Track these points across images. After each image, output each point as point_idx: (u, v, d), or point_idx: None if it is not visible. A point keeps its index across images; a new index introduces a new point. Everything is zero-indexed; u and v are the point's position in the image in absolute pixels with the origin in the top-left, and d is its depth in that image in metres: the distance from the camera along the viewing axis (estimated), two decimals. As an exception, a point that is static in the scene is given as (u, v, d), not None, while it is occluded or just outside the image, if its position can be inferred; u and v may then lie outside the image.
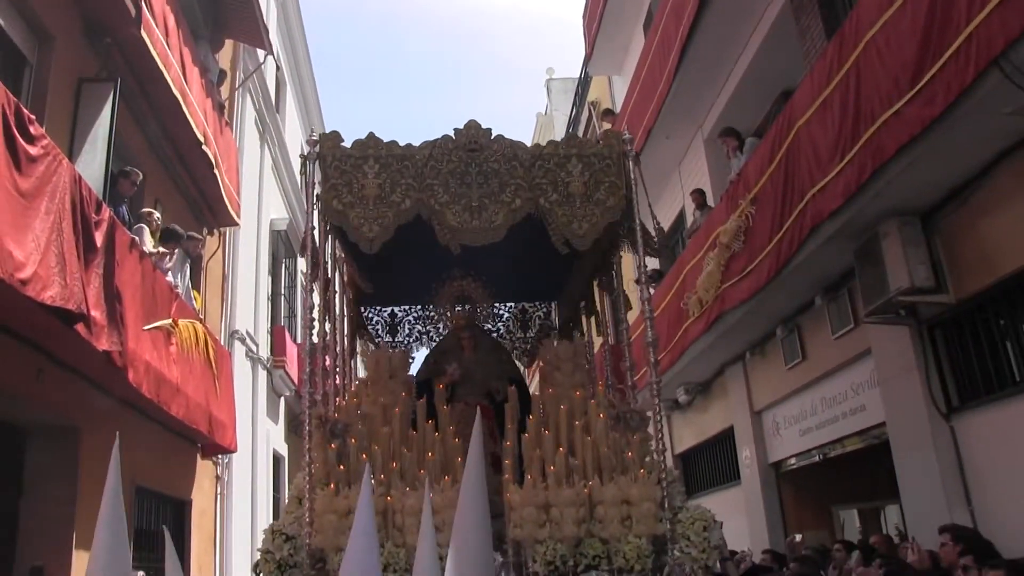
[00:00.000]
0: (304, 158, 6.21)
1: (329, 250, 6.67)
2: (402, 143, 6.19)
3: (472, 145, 6.07)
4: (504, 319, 8.50)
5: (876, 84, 6.48)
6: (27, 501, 7.89)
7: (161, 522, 10.39)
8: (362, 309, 8.40)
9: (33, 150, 6.20)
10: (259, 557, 5.61)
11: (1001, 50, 5.01)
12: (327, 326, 6.75)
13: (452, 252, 6.02)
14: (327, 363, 6.72)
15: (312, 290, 6.20)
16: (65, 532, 7.88)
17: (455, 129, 6.15)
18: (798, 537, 9.30)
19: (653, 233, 6.65)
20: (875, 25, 6.47)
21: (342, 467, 5.66)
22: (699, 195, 12.42)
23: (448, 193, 5.95)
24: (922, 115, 5.86)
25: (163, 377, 8.62)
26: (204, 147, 10.84)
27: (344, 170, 6.03)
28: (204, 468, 11.85)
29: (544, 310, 8.71)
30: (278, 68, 17.67)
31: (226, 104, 13.19)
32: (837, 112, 7.10)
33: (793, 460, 10.80)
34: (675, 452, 15.17)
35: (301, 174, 6.33)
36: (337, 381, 7.24)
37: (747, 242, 9.10)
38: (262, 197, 15.59)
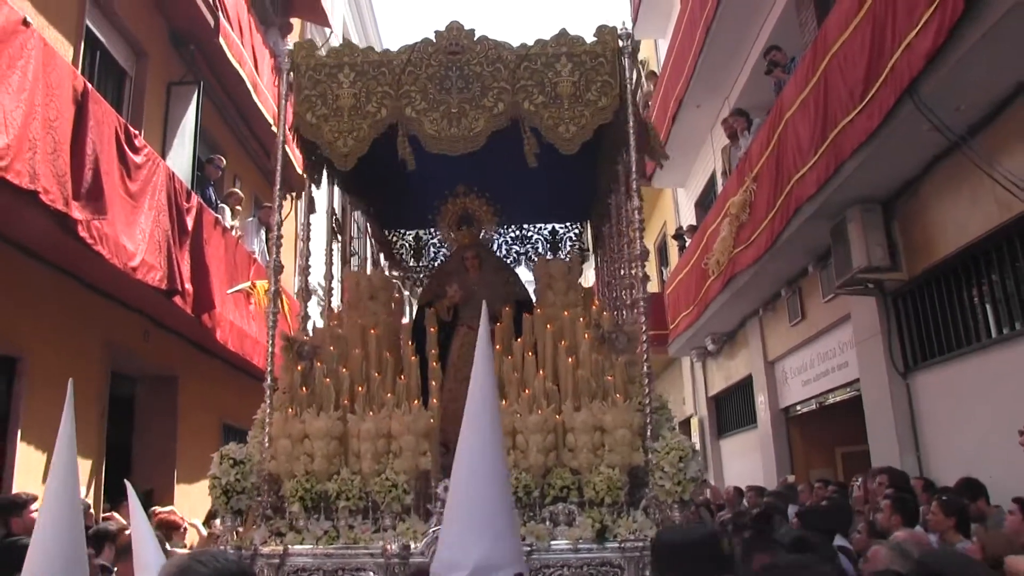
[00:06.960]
0: (277, 70, 6.07)
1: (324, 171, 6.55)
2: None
3: (453, 48, 5.61)
4: (533, 241, 8.13)
5: (838, 93, 7.50)
6: (138, 436, 9.65)
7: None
8: (387, 232, 8.20)
9: (138, 159, 7.71)
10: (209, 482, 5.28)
11: (908, 83, 6.07)
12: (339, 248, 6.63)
13: (415, 165, 5.53)
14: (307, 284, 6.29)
15: (281, 207, 6.00)
16: (168, 461, 9.68)
17: (435, 31, 5.71)
18: (791, 478, 10.52)
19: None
20: (836, 43, 7.48)
21: (305, 389, 5.36)
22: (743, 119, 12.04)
23: (426, 100, 5.52)
24: (866, 127, 6.92)
25: (245, 333, 10.25)
26: (274, 127, 12.25)
27: (318, 80, 5.62)
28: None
29: (576, 231, 8.29)
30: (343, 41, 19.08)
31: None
32: (812, 111, 8.12)
33: (799, 407, 11.99)
34: (708, 394, 16.47)
35: (275, 86, 6.07)
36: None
37: (751, 214, 10.19)
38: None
